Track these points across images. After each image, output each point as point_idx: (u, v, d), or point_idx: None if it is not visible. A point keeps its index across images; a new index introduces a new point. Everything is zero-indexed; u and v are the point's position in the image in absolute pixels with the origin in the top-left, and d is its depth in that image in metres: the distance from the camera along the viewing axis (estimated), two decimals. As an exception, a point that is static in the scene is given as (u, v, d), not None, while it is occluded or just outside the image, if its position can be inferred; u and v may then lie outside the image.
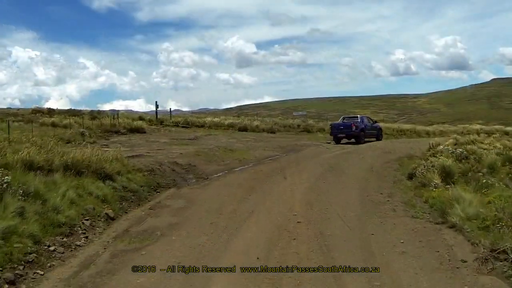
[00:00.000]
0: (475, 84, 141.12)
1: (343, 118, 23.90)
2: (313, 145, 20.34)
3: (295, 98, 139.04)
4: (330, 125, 23.11)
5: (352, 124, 21.39)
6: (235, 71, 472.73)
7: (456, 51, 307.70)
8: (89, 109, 38.38)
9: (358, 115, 23.75)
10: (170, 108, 31.83)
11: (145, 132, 24.29)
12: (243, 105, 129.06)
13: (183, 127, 29.26)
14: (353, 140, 21.51)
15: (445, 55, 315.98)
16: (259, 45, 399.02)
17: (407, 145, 18.95)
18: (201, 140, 21.09)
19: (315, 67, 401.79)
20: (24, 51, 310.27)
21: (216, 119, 28.46)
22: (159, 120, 30.81)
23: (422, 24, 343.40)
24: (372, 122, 24.34)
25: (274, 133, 27.71)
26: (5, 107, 47.46)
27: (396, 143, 21.59)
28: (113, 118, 28.69)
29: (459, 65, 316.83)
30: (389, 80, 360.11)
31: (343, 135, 21.56)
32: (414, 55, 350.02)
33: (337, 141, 21.58)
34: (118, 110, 29.02)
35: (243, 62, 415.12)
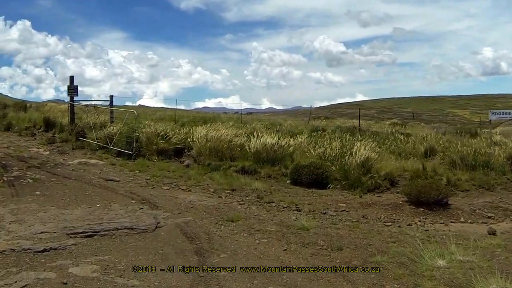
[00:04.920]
0: None
1: None
2: None
3: (389, 97, 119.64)
4: None
5: None
6: (325, 70, 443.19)
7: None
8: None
9: None
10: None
11: None
12: (336, 104, 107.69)
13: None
14: None
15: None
16: (348, 44, 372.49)
17: None
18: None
19: (405, 66, 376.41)
20: (114, 51, 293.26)
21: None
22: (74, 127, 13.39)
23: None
24: None
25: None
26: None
27: None
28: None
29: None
30: (479, 80, 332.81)
31: None
32: (504, 53, 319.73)
33: None
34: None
35: (333, 61, 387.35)
